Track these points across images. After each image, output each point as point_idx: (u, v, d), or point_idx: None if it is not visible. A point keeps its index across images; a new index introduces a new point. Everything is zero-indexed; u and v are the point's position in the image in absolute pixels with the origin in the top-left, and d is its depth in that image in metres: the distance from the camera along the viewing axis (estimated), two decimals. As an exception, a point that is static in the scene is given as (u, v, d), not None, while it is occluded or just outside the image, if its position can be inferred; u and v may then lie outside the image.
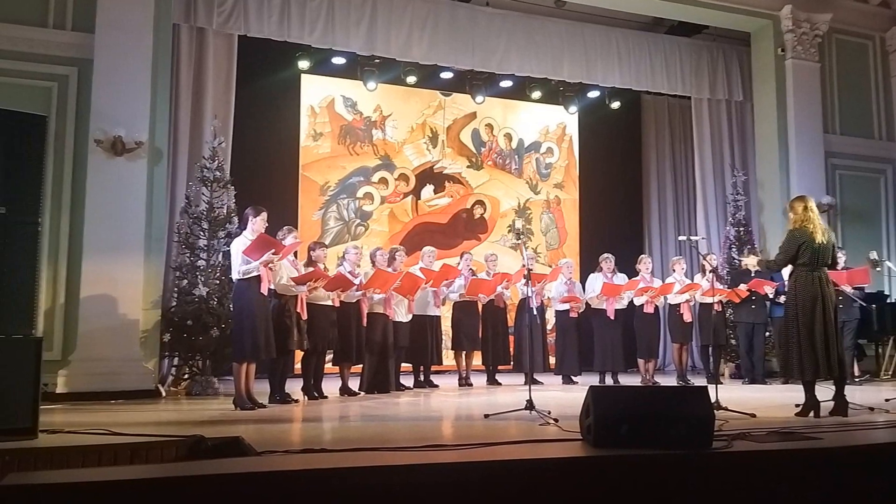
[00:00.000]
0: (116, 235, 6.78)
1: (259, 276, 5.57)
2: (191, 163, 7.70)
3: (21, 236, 3.96)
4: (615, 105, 10.89)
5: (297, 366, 6.72)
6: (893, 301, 9.24)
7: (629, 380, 8.13)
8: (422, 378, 7.72)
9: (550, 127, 11.28)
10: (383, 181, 10.18)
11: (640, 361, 8.16)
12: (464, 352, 7.98)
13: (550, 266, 10.14)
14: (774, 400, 6.08)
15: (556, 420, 4.46)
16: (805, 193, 5.90)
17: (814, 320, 4.92)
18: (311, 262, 6.48)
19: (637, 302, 8.12)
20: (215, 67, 8.12)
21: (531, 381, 5.50)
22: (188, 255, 7.14)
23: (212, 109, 7.94)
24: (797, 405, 5.06)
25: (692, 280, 8.34)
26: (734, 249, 9.69)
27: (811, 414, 4.87)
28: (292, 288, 6.03)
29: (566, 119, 11.29)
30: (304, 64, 9.26)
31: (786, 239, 5.17)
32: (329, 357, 6.85)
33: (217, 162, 7.38)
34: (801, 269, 5.05)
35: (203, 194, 7.28)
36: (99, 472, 3.15)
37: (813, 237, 5.01)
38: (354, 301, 6.71)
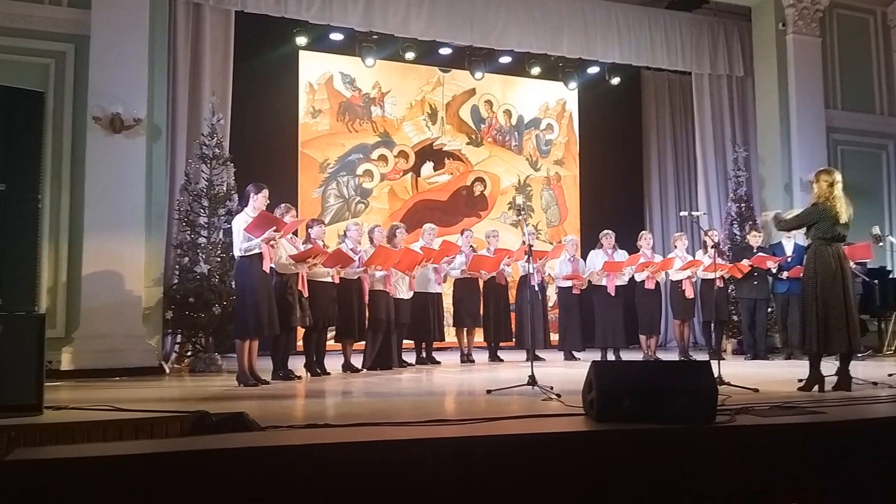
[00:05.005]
0: (117, 213, 6.77)
1: (261, 253, 5.56)
2: (189, 140, 7.65)
3: (21, 213, 3.94)
4: (615, 81, 10.81)
5: (300, 343, 6.73)
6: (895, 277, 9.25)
7: (631, 356, 8.13)
8: (424, 355, 7.74)
9: (550, 103, 11.20)
10: (383, 158, 10.13)
11: (642, 337, 8.17)
12: (465, 328, 7.99)
13: (551, 243, 10.14)
14: (777, 375, 6.09)
15: (558, 395, 4.48)
16: (807, 169, 5.88)
17: (832, 294, 4.92)
18: (309, 239, 6.47)
19: (638, 278, 8.12)
20: (212, 43, 8.03)
21: (533, 357, 5.52)
22: (189, 232, 7.12)
23: (210, 86, 7.87)
24: (800, 380, 5.07)
25: (694, 256, 8.33)
26: (735, 225, 9.69)
27: (815, 388, 4.89)
28: (291, 266, 6.02)
29: (566, 95, 11.20)
30: (301, 40, 9.15)
31: (808, 209, 5.16)
32: (331, 334, 6.87)
33: (216, 139, 7.33)
34: (820, 243, 5.03)
35: (202, 171, 7.24)
36: (104, 447, 3.16)
37: (838, 216, 4.99)
38: (356, 278, 6.70)
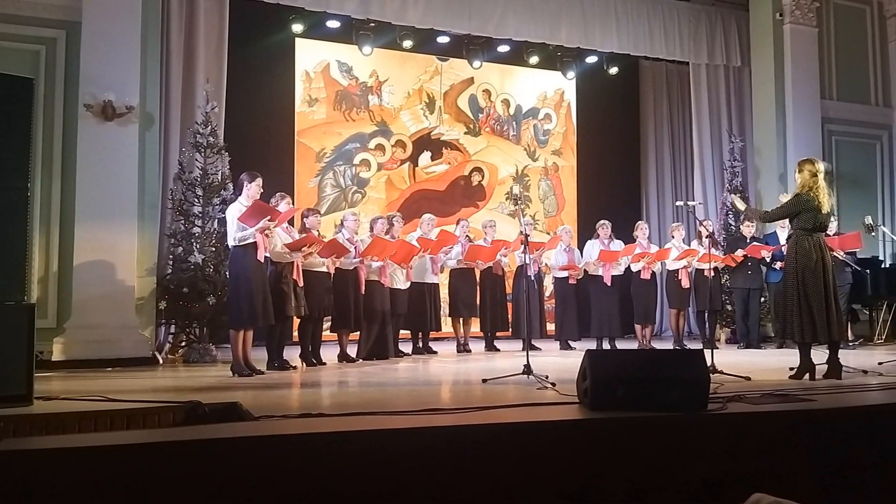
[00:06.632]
0: (109, 202, 6.72)
1: (255, 242, 5.53)
2: (183, 128, 7.58)
3: (10, 202, 3.90)
4: (613, 71, 10.76)
5: (295, 333, 6.71)
6: (887, 266, 9.27)
7: (626, 346, 8.15)
8: (420, 345, 7.73)
9: (548, 93, 11.15)
10: (380, 148, 10.08)
11: (637, 327, 8.19)
12: (462, 318, 7.99)
13: (548, 233, 10.12)
14: (769, 364, 6.11)
15: (553, 384, 4.48)
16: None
17: (814, 283, 4.94)
18: (304, 229, 6.44)
19: (634, 268, 8.12)
20: (207, 30, 7.94)
21: (529, 346, 5.51)
22: (182, 221, 7.07)
23: (204, 74, 7.79)
24: (791, 368, 5.09)
25: (690, 246, 8.33)
26: (731, 216, 9.68)
27: (805, 376, 4.91)
28: (286, 255, 5.99)
29: (564, 85, 11.16)
30: (297, 27, 9.07)
31: (790, 200, 5.21)
32: (327, 324, 6.85)
33: (210, 127, 7.26)
34: (801, 233, 5.06)
35: (196, 160, 7.19)
36: (95, 437, 3.15)
37: (820, 205, 5.03)
38: (352, 268, 6.68)
